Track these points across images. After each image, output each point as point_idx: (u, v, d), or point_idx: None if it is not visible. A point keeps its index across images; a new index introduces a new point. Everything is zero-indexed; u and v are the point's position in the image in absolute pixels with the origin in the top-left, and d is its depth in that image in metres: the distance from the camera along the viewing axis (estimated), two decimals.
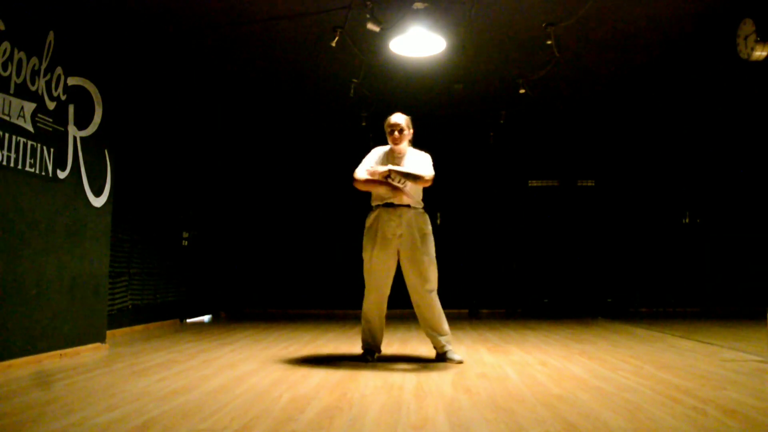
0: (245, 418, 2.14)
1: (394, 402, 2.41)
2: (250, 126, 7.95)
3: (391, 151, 3.62)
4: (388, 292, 3.59)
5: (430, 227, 3.60)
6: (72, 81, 3.85)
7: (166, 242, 6.15)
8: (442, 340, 3.57)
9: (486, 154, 8.24)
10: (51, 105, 3.63)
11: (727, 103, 6.84)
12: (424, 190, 3.65)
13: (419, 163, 3.54)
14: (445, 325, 3.60)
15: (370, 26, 4.40)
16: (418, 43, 4.65)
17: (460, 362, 3.48)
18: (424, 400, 2.45)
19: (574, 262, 8.08)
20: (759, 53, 4.31)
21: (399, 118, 3.59)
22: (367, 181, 3.48)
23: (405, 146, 3.62)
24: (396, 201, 3.50)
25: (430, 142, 8.14)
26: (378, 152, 3.66)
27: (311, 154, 8.39)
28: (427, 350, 3.99)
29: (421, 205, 3.62)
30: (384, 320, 3.66)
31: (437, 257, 3.59)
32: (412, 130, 3.66)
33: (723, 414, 2.20)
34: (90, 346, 3.98)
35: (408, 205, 3.53)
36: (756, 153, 7.81)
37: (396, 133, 3.56)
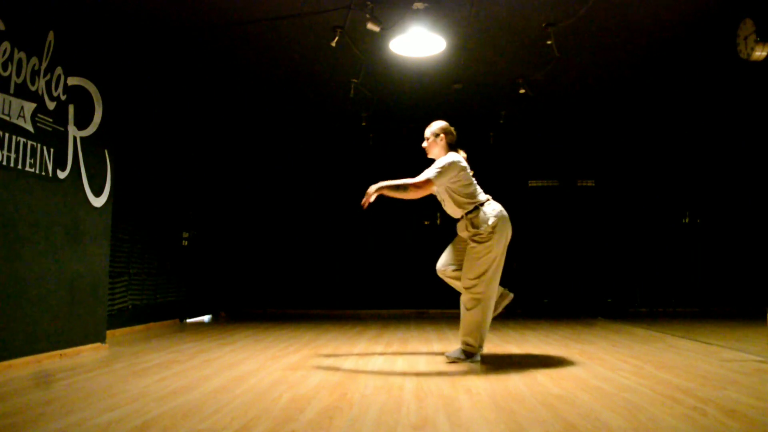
0: (245, 418, 2.14)
1: (394, 402, 2.41)
2: (250, 126, 7.95)
3: None
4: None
5: (480, 229, 3.53)
6: (72, 81, 3.85)
7: (166, 242, 6.15)
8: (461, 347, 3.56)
9: (486, 154, 8.25)
10: (51, 105, 3.63)
11: (727, 103, 6.84)
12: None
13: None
14: (468, 336, 3.50)
15: (370, 26, 4.40)
16: (418, 43, 4.65)
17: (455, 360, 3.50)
18: (424, 400, 2.45)
19: (574, 262, 8.07)
20: (759, 53, 4.31)
21: (427, 129, 3.71)
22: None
23: (436, 154, 3.69)
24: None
25: None
26: None
27: (311, 154, 8.39)
28: (427, 350, 4.00)
29: (464, 210, 3.62)
30: None
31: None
32: (441, 136, 3.67)
33: (723, 414, 2.20)
34: (90, 346, 3.98)
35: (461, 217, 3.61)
36: (756, 153, 7.81)
37: (424, 144, 3.73)
